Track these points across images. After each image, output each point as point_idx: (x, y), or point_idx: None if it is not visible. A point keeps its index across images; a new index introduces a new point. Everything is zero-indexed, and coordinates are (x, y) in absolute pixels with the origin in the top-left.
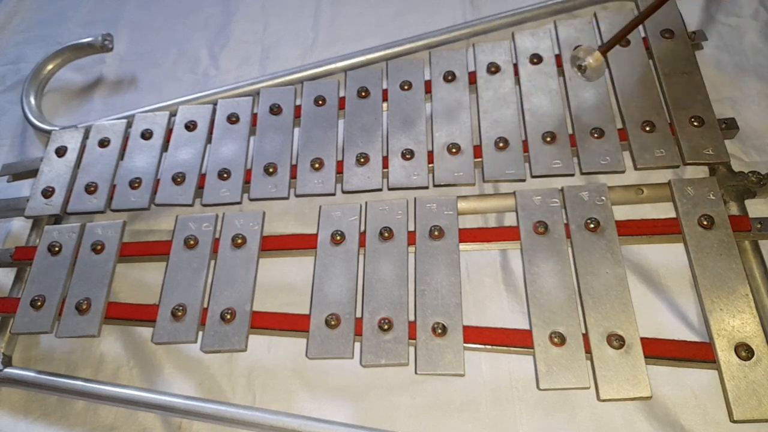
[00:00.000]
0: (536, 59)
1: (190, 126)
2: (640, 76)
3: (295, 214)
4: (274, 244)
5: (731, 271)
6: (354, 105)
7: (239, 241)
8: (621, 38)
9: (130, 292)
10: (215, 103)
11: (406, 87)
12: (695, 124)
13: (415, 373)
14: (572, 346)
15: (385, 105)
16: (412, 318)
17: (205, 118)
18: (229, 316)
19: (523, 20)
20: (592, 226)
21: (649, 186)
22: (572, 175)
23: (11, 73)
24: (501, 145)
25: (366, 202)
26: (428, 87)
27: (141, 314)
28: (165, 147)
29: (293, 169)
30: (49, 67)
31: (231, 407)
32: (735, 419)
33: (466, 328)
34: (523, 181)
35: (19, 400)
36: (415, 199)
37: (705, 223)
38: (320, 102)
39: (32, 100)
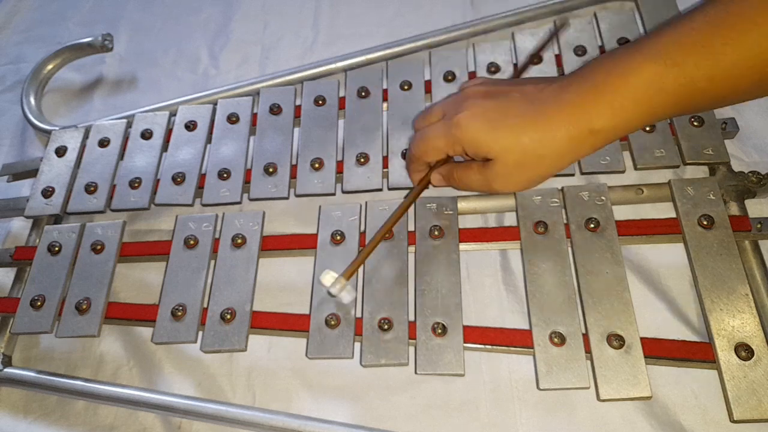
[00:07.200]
0: (536, 59)
1: (190, 126)
2: None
3: (295, 214)
4: (274, 244)
5: (731, 271)
6: (354, 105)
7: (239, 241)
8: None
9: (130, 292)
10: (215, 103)
11: (406, 87)
12: (695, 124)
13: (415, 373)
14: (572, 346)
15: (385, 105)
16: (412, 318)
17: (205, 118)
18: (229, 316)
19: (523, 20)
20: (592, 226)
21: (649, 186)
22: (572, 175)
23: (11, 73)
24: None
25: (366, 202)
26: (428, 87)
27: (141, 314)
28: (165, 147)
29: (293, 169)
30: (49, 67)
31: (231, 407)
32: (735, 419)
33: (466, 328)
34: None
35: (19, 400)
36: None
37: (705, 223)
38: (320, 102)
39: (32, 100)
